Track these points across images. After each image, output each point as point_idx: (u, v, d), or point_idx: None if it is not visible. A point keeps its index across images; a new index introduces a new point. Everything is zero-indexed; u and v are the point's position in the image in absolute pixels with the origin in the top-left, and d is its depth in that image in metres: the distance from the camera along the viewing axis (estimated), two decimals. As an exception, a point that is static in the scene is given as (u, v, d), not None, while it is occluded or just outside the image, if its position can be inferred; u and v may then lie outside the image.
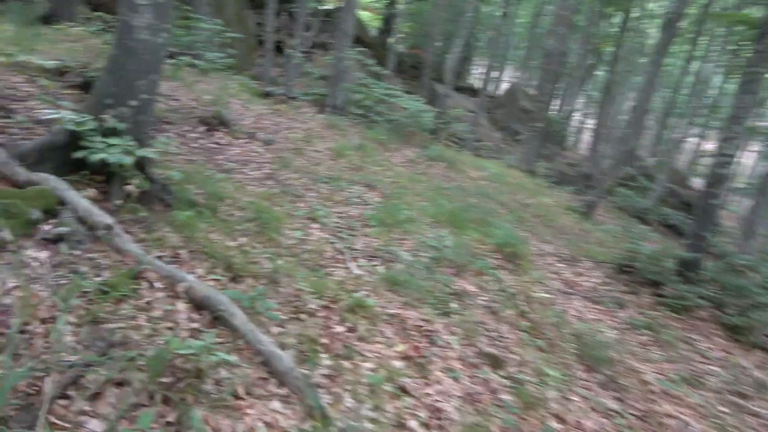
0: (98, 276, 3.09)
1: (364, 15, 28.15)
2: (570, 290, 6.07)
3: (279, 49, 20.77)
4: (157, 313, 2.95)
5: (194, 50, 13.34)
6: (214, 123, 7.91)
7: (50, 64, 6.29)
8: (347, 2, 12.75)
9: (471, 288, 4.97)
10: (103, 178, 4.45)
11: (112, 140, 4.14)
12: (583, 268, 6.94)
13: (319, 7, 26.02)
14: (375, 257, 5.12)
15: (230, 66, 15.14)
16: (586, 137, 27.92)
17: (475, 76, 38.58)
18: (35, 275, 2.86)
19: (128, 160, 3.98)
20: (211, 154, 6.88)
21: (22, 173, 3.91)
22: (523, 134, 24.45)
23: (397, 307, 4.16)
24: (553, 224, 9.43)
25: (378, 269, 4.80)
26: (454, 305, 4.52)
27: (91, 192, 4.18)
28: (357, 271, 4.60)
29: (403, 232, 6.06)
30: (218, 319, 3.07)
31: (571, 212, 11.25)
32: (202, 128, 7.77)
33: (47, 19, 13.23)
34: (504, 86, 29.92)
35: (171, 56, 12.51)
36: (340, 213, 6.21)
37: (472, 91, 26.84)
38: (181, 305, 3.08)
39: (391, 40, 27.64)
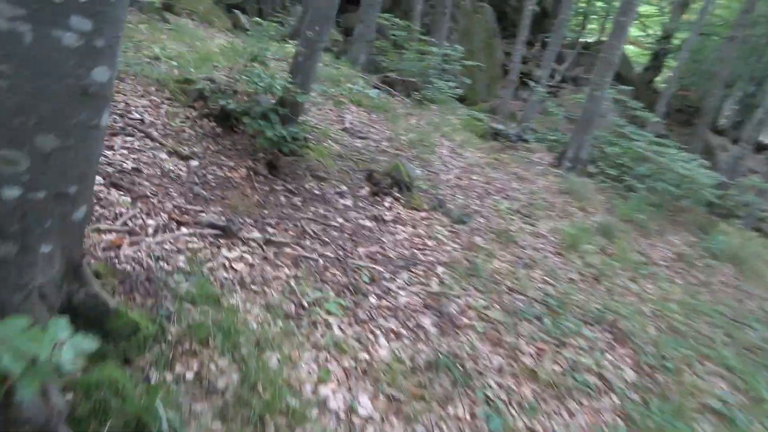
0: None
1: (629, 49, 22.98)
2: None
3: (524, 81, 17.27)
4: None
5: (424, 78, 10.66)
6: (386, 183, 4.87)
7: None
8: (617, 27, 8.77)
9: None
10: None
11: None
12: None
13: (579, 39, 21.76)
14: None
15: (461, 97, 12.18)
16: None
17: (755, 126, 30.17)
18: None
19: None
20: (351, 244, 3.84)
21: None
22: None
23: None
24: None
25: None
26: None
27: None
28: None
29: None
30: None
31: None
32: (365, 190, 4.79)
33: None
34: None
35: (389, 84, 9.97)
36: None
37: (757, 147, 20.03)
38: None
39: (658, 79, 22.14)
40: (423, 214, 4.82)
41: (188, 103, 4.63)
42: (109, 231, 2.77)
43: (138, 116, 4.20)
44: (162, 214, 3.12)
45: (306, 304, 2.89)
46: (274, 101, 4.50)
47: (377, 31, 10.83)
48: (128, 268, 2.54)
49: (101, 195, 3.02)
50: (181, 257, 2.81)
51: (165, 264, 2.70)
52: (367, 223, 4.23)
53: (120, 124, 3.95)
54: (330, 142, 5.64)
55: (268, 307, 2.74)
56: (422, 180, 5.71)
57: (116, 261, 2.57)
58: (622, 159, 8.62)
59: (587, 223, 6.36)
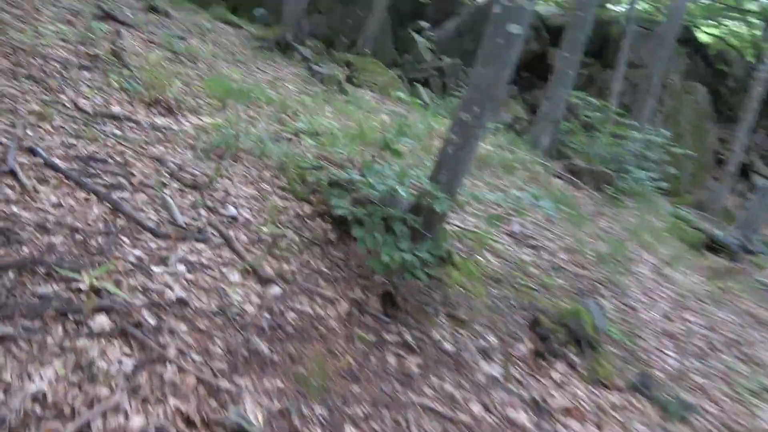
0: None
1: None
2: None
3: (744, 173, 13.82)
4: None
5: (618, 166, 8.51)
6: (558, 339, 3.08)
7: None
8: None
9: None
10: None
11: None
12: None
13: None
14: None
15: (665, 190, 9.63)
16: None
17: None
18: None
19: None
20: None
21: None
22: None
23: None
24: None
25: None
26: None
27: None
28: None
29: None
30: None
31: None
32: (524, 346, 3.05)
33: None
34: None
35: (575, 173, 7.96)
36: None
37: None
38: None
39: None
40: (614, 397, 2.90)
41: (305, 195, 3.43)
42: (42, 447, 1.50)
43: (233, 212, 3.08)
44: (168, 401, 1.79)
45: None
46: (413, 202, 3.07)
47: (567, 110, 9.04)
48: None
49: (86, 355, 1.81)
50: None
51: None
52: (520, 418, 2.49)
53: (199, 224, 2.84)
54: (487, 254, 4.03)
55: None
56: (614, 321, 3.77)
57: None
58: None
59: None
